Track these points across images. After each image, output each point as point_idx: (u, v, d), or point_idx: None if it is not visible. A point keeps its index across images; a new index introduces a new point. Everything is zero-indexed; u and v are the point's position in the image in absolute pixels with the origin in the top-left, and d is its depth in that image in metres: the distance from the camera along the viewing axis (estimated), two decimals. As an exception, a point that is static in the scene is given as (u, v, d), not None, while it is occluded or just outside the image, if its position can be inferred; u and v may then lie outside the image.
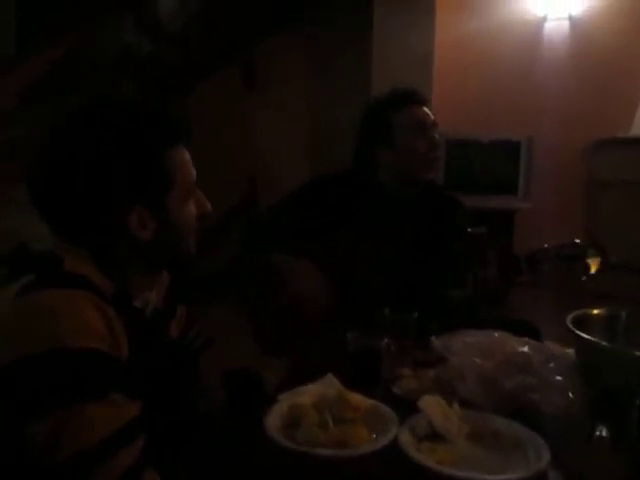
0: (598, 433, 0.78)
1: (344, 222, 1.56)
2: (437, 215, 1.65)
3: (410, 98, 1.61)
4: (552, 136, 3.95)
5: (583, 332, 0.96)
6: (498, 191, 3.81)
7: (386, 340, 1.15)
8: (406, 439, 0.86)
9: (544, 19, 4.05)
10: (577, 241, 1.35)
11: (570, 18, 4.01)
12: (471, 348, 1.06)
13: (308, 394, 0.98)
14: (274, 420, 0.91)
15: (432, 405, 0.91)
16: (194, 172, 0.91)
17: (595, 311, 1.10)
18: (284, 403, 0.96)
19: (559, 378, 0.97)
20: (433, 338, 1.16)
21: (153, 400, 0.86)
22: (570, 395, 0.91)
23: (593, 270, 1.28)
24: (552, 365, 1.00)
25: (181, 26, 3.87)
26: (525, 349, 1.05)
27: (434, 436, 0.88)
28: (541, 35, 4.07)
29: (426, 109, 1.61)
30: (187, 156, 0.90)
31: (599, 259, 1.31)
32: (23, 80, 3.36)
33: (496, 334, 1.11)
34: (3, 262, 0.83)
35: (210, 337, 1.12)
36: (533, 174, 3.83)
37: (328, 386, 1.00)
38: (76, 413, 0.71)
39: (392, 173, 1.61)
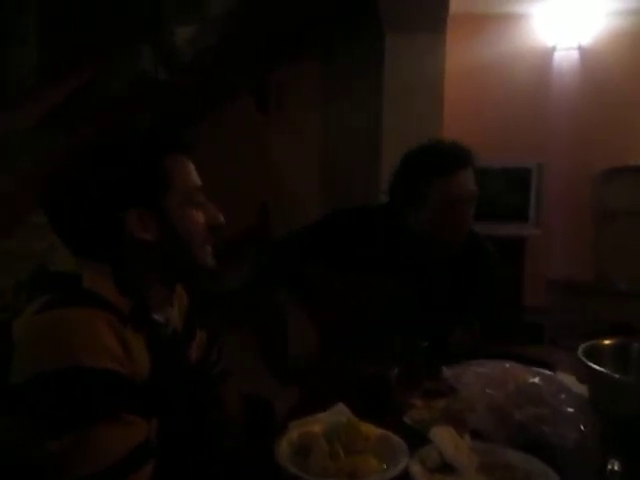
0: (610, 467, 0.78)
1: (362, 258, 1.51)
2: (461, 262, 1.55)
3: (454, 164, 1.45)
4: (563, 164, 3.97)
5: (594, 363, 0.95)
6: (509, 218, 3.81)
7: (396, 369, 1.15)
8: (417, 470, 0.86)
9: (553, 49, 4.10)
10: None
11: (579, 48, 4.06)
12: (482, 378, 1.05)
13: (319, 423, 0.98)
14: (284, 448, 0.91)
15: (443, 436, 0.91)
16: (197, 180, 0.94)
17: (606, 342, 1.10)
18: (294, 431, 0.96)
19: (571, 410, 0.96)
20: (444, 369, 1.16)
21: (170, 419, 0.86)
22: (582, 427, 0.90)
23: None
24: (564, 396, 1.00)
25: (196, 54, 3.95)
26: (536, 380, 1.04)
27: (444, 467, 0.88)
28: (551, 65, 4.11)
29: (468, 176, 1.47)
30: (187, 164, 0.93)
31: None
32: (43, 108, 3.44)
33: (507, 365, 1.11)
34: (24, 286, 0.85)
35: (226, 369, 1.13)
36: (544, 201, 3.83)
37: (339, 415, 1.00)
38: (88, 433, 0.72)
39: (418, 230, 1.52)
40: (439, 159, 1.45)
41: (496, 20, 4.08)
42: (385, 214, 1.58)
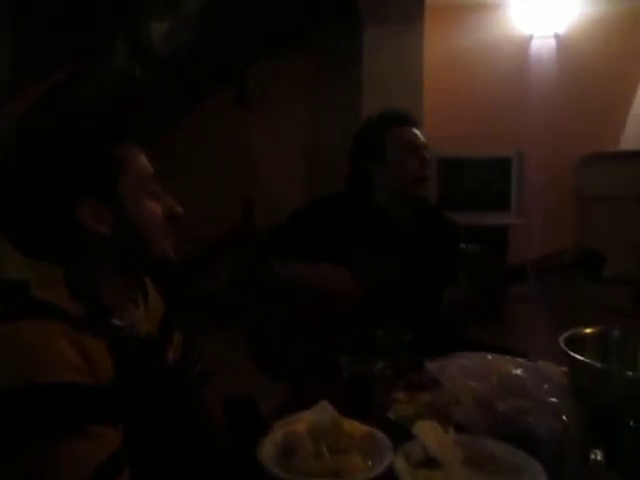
0: (593, 456, 0.78)
1: (342, 242, 1.58)
2: (431, 235, 1.68)
3: (403, 119, 1.67)
4: (543, 152, 4.00)
5: (576, 352, 0.95)
6: (491, 207, 3.84)
7: (380, 364, 1.15)
8: (401, 466, 0.85)
9: (530, 37, 4.12)
10: (575, 249, 1.39)
11: (556, 36, 4.09)
12: (466, 371, 1.06)
13: (302, 422, 0.97)
14: (268, 449, 0.90)
15: (427, 430, 0.91)
16: (149, 168, 0.91)
17: (588, 330, 1.10)
18: (278, 431, 0.95)
19: (554, 400, 0.96)
20: (427, 362, 1.16)
21: (142, 422, 0.84)
22: (564, 418, 0.90)
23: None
24: (546, 387, 1.00)
25: (173, 51, 3.90)
26: (519, 371, 1.04)
27: (429, 462, 0.87)
28: (528, 53, 4.14)
29: (417, 131, 1.66)
30: (137, 152, 0.90)
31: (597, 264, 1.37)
32: (18, 107, 3.37)
33: (489, 356, 1.11)
34: None
35: (207, 371, 1.11)
36: (525, 190, 3.86)
37: (323, 413, 0.99)
38: (55, 451, 0.70)
39: (384, 190, 1.65)
40: (390, 116, 1.68)
41: (473, 10, 4.09)
42: (348, 196, 1.70)
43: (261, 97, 4.42)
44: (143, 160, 0.91)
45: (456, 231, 1.77)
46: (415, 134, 1.65)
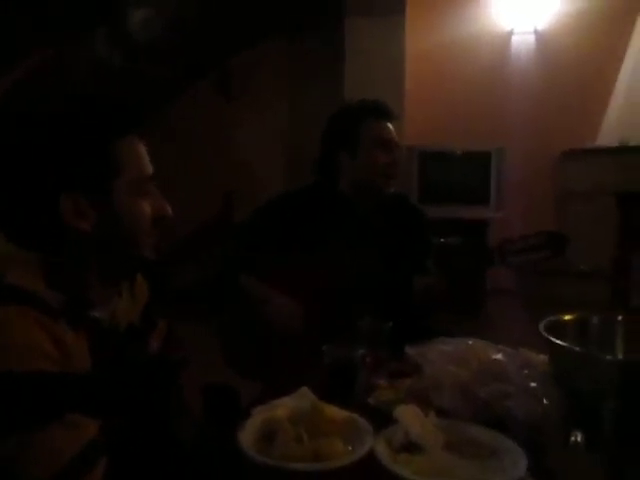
0: (573, 438, 0.78)
1: (311, 234, 1.58)
2: (400, 224, 1.69)
3: (380, 112, 1.64)
4: (522, 147, 4.03)
5: (556, 338, 0.96)
6: (471, 202, 3.86)
7: (361, 351, 1.14)
8: (382, 450, 0.84)
9: (511, 33, 4.15)
10: (540, 232, 1.46)
11: (535, 32, 4.12)
12: (446, 356, 1.05)
13: (282, 407, 0.95)
14: (248, 435, 0.89)
15: (408, 415, 0.90)
16: (149, 167, 0.86)
17: (567, 317, 1.11)
18: (258, 417, 0.93)
19: (534, 384, 0.97)
20: (407, 347, 1.16)
21: (123, 415, 0.83)
22: (545, 401, 0.91)
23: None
24: (527, 372, 1.01)
25: (154, 38, 3.83)
26: (499, 356, 1.05)
27: (410, 446, 0.87)
28: (508, 49, 4.17)
29: (391, 127, 1.65)
30: (140, 148, 0.85)
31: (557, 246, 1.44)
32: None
33: (470, 342, 1.11)
34: None
35: (186, 356, 1.10)
36: (504, 184, 3.89)
37: (302, 399, 0.98)
38: (29, 439, 0.68)
39: (351, 180, 1.65)
40: (368, 107, 1.65)
41: (454, 4, 4.12)
42: (315, 187, 1.70)
43: (243, 87, 4.38)
44: (144, 158, 0.86)
45: (423, 219, 1.78)
46: (390, 130, 1.64)
